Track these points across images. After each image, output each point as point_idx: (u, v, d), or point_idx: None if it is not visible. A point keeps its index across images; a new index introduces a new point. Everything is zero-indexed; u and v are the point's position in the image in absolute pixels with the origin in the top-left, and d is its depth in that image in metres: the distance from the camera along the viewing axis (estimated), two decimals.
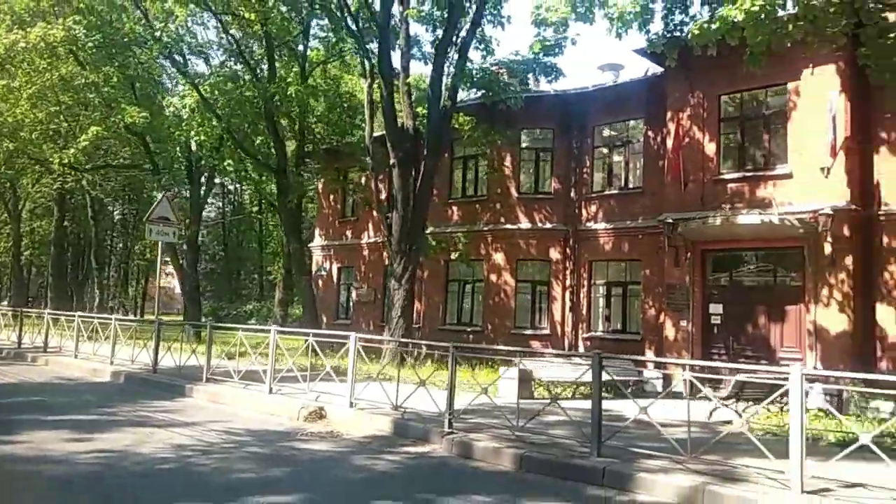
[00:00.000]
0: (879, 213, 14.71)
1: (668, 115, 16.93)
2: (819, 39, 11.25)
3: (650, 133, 18.27)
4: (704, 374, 14.57)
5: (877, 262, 14.64)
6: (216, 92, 17.80)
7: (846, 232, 14.34)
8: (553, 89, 20.02)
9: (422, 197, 16.19)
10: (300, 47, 21.61)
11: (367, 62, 17.46)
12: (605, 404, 7.76)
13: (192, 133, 18.82)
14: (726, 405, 10.40)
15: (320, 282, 26.07)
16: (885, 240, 14.62)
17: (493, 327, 19.67)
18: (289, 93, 17.93)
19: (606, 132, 19.73)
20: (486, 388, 8.69)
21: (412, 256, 16.08)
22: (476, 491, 6.27)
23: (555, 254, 19.53)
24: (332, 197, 25.74)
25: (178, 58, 22.12)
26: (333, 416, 9.88)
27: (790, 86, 15.27)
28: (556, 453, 7.49)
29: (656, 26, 12.27)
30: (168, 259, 25.56)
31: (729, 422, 8.83)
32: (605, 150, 19.77)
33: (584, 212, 19.54)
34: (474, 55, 17.57)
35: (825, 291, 14.41)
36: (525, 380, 12.30)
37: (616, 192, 19.12)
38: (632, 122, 19.03)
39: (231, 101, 17.84)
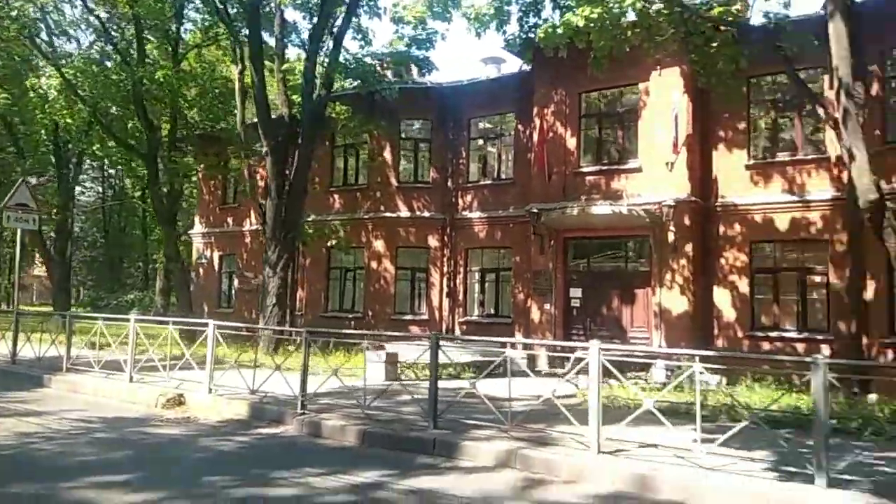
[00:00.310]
0: (717, 204, 16.28)
1: (535, 110, 17.91)
2: (654, 46, 12.33)
3: (520, 127, 19.23)
4: (557, 352, 15.70)
5: (714, 250, 16.22)
6: (80, 75, 17.13)
7: (687, 222, 15.79)
8: (430, 82, 20.61)
9: (297, 185, 16.36)
10: (174, 29, 21.01)
11: (238, 48, 17.35)
12: (464, 383, 8.39)
13: (58, 116, 18.06)
14: (569, 381, 11.37)
15: (201, 270, 25.64)
16: (722, 229, 16.22)
17: (374, 313, 20.15)
18: (157, 77, 17.52)
19: (482, 124, 20.57)
20: (336, 371, 9.10)
21: (287, 244, 16.25)
22: (311, 464, 6.71)
23: (433, 241, 20.22)
24: (212, 183, 25.29)
25: (43, 37, 21.03)
26: (192, 402, 10.03)
27: (641, 86, 16.56)
28: (398, 428, 8.06)
29: (512, 27, 13.00)
30: (35, 248, 24.32)
31: (572, 395, 9.73)
32: (481, 142, 20.62)
33: (460, 201, 20.32)
34: (352, 45, 17.90)
35: (669, 276, 15.82)
36: (391, 362, 12.87)
37: (490, 182, 20.01)
38: (505, 116, 19.94)
39: (97, 84, 17.22)
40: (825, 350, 14.68)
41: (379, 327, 19.23)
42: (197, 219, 26.47)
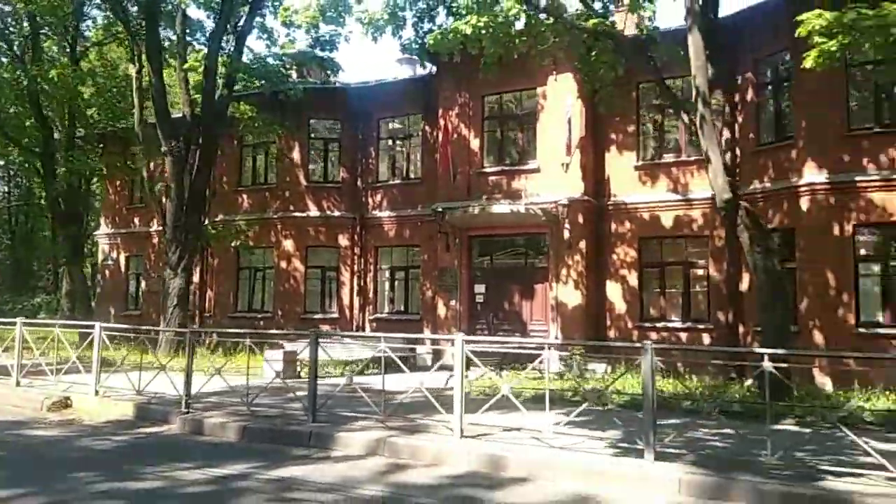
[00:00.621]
0: (609, 203, 17.14)
1: (440, 112, 18.37)
2: (541, 54, 12.95)
3: (427, 128, 19.66)
4: (476, 347, 16.18)
5: (607, 246, 17.07)
6: None
7: (581, 220, 16.56)
8: (339, 82, 20.79)
9: (198, 185, 16.27)
10: (73, 27, 20.41)
11: (135, 46, 17.08)
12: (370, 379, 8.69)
13: None
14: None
15: (107, 272, 25.00)
16: (614, 227, 17.09)
17: (284, 313, 20.18)
18: (51, 76, 17.06)
19: (391, 125, 20.88)
20: (220, 370, 9.25)
21: (188, 245, 16.15)
22: (184, 460, 6.90)
23: (343, 240, 20.41)
24: (118, 183, 24.68)
25: None
26: (79, 404, 10.02)
27: (539, 90, 17.25)
28: (278, 423, 8.33)
29: (409, 32, 13.34)
30: None
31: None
32: (390, 143, 20.94)
33: (370, 200, 20.58)
34: (259, 45, 17.87)
35: (564, 272, 16.57)
36: (290, 361, 13.08)
37: (399, 182, 20.35)
38: (413, 117, 20.31)
39: None
40: (706, 338, 15.80)
41: (288, 326, 19.29)
42: (102, 219, 25.77)
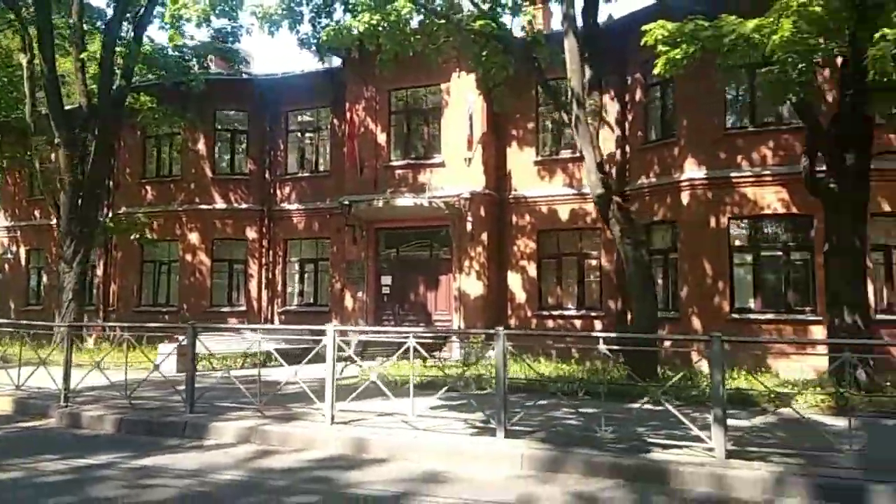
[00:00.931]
0: (510, 196, 17.74)
1: (347, 105, 18.53)
2: (435, 52, 13.32)
3: (335, 121, 19.78)
4: (373, 337, 16.45)
5: (508, 238, 17.69)
6: None
7: (482, 213, 17.10)
8: (245, 73, 20.63)
9: (94, 177, 15.91)
10: None
11: (26, 34, 16.49)
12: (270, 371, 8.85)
13: None
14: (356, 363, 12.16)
15: (7, 266, 24.05)
16: (514, 219, 17.70)
17: (190, 306, 19.93)
18: None
19: (300, 117, 20.90)
20: (99, 363, 9.21)
21: (84, 238, 15.80)
22: (52, 451, 6.90)
23: (251, 233, 20.33)
24: (17, 174, 23.73)
25: None
26: None
27: (443, 86, 17.65)
28: (156, 415, 8.41)
29: (306, 27, 13.46)
30: None
31: (354, 376, 10.47)
32: (299, 135, 20.95)
33: (279, 192, 20.56)
34: (162, 36, 17.52)
35: (467, 263, 17.08)
36: (183, 354, 13.02)
37: (308, 174, 20.41)
38: (321, 110, 20.38)
39: None
40: (598, 324, 16.61)
41: (194, 320, 19.05)
42: (1, 212, 24.72)
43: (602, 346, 6.64)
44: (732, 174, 14.48)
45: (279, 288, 20.31)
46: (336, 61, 19.81)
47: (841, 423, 7.93)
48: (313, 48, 13.34)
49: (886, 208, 13.86)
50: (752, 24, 7.23)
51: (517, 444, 6.60)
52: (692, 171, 14.87)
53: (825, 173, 9.71)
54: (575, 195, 16.99)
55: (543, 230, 17.43)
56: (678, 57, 7.77)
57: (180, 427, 7.90)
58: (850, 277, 9.40)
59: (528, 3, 12.01)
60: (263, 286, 20.29)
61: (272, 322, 19.98)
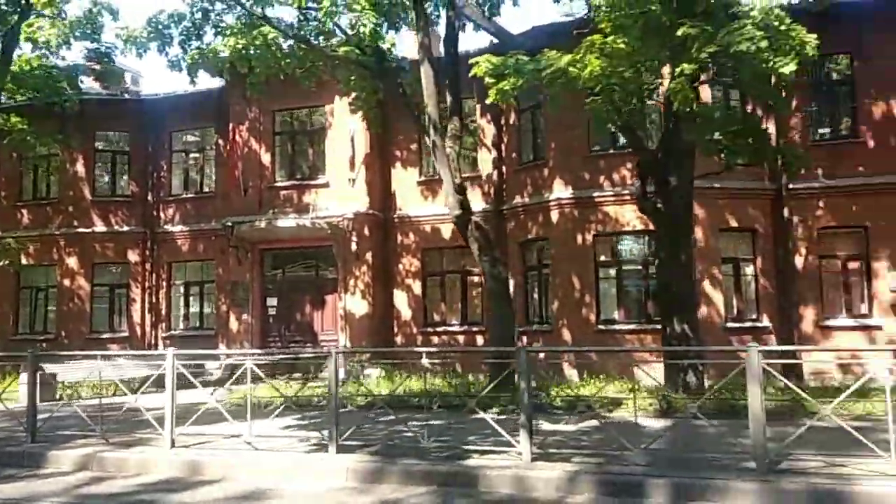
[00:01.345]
0: (395, 216, 18.13)
1: (231, 125, 18.49)
2: (306, 76, 13.58)
3: (220, 141, 19.66)
4: (239, 360, 16.40)
5: (393, 257, 18.04)
6: None
7: (367, 232, 17.39)
8: (131, 93, 20.25)
9: None
10: None
11: None
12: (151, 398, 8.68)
13: None
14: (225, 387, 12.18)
15: None
16: (400, 238, 18.09)
17: (68, 334, 19.24)
18: None
19: (184, 137, 20.64)
20: None
21: None
22: None
23: (133, 256, 19.85)
24: None
25: None
26: None
27: (327, 107, 17.91)
28: None
29: (176, 49, 13.42)
30: None
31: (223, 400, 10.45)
32: (184, 155, 20.68)
33: (162, 214, 20.19)
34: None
35: (353, 282, 17.30)
36: (46, 382, 12.64)
37: (192, 195, 20.15)
38: (206, 130, 20.21)
39: None
40: (479, 339, 17.15)
41: (73, 347, 18.40)
42: None
43: (425, 361, 7.03)
44: (595, 194, 15.37)
45: (163, 312, 19.89)
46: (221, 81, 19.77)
47: (659, 423, 8.68)
48: (183, 70, 13.26)
49: (734, 224, 15.12)
50: (566, 59, 7.91)
51: (346, 459, 6.88)
52: (560, 191, 15.67)
53: (653, 194, 10.57)
54: None
55: (428, 248, 17.88)
56: (507, 88, 8.37)
57: (20, 457, 7.78)
58: (679, 289, 10.23)
59: (393, 30, 12.42)
60: (147, 310, 19.83)
61: (156, 347, 19.52)
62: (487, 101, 8.82)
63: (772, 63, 6.91)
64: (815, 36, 7.28)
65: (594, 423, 8.89)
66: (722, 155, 9.67)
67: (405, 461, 6.68)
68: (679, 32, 7.27)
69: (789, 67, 6.92)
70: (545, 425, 8.56)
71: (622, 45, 7.62)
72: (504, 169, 17.36)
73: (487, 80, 8.48)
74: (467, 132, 16.63)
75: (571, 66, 7.80)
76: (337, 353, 7.20)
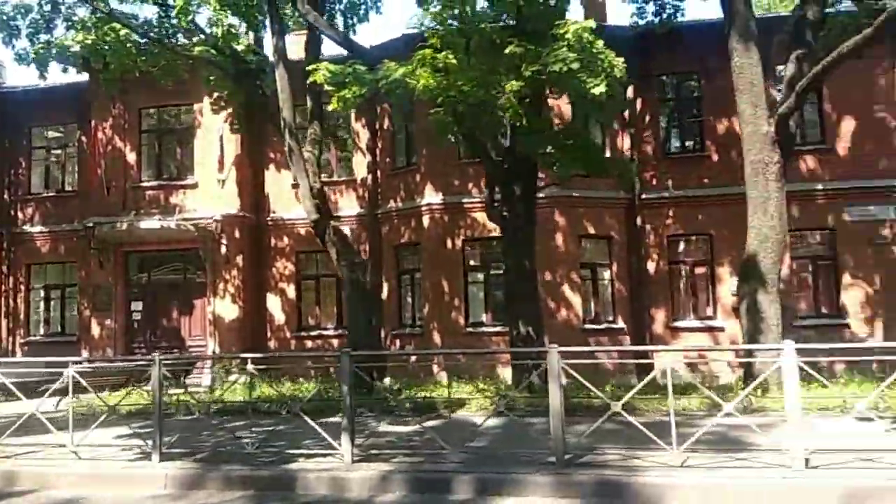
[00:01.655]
0: (268, 219, 17.91)
1: (93, 122, 17.68)
2: (164, 74, 13.22)
3: (83, 138, 18.75)
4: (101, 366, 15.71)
5: (266, 260, 17.81)
6: None
7: (238, 235, 17.09)
8: None
9: None
10: None
11: None
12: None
13: None
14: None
15: None
16: (273, 241, 17.89)
17: None
18: None
19: (44, 134, 19.55)
20: None
21: None
22: None
23: None
24: None
25: None
26: None
27: (196, 107, 17.43)
28: None
29: (24, 42, 12.75)
30: None
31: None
32: (44, 152, 19.58)
33: (20, 214, 19.05)
34: None
35: (222, 286, 16.95)
36: None
37: (53, 194, 19.13)
38: (68, 126, 19.24)
39: None
40: None
41: None
42: None
43: (250, 367, 7.05)
44: (464, 200, 15.80)
45: (21, 317, 18.75)
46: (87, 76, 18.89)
47: (494, 422, 9.06)
48: (31, 64, 12.60)
49: (592, 231, 15.93)
50: (401, 70, 8.16)
51: (167, 466, 6.80)
52: (431, 196, 16.00)
53: (500, 202, 11.03)
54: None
55: (302, 252, 17.76)
56: (348, 96, 8.52)
57: None
58: (524, 294, 10.71)
59: (252, 31, 12.31)
60: (3, 315, 18.63)
61: (14, 354, 18.38)
62: (330, 109, 8.93)
63: (584, 84, 7.42)
64: (622, 60, 7.87)
65: (437, 423, 9.19)
66: (555, 167, 10.22)
67: (227, 467, 6.68)
68: (507, 51, 7.66)
69: (599, 88, 7.46)
70: (384, 427, 8.76)
71: (454, 61, 7.94)
72: (378, 173, 17.51)
73: (327, 87, 8.61)
74: (336, 137, 16.72)
75: (407, 77, 8.05)
76: (161, 360, 7.09)
